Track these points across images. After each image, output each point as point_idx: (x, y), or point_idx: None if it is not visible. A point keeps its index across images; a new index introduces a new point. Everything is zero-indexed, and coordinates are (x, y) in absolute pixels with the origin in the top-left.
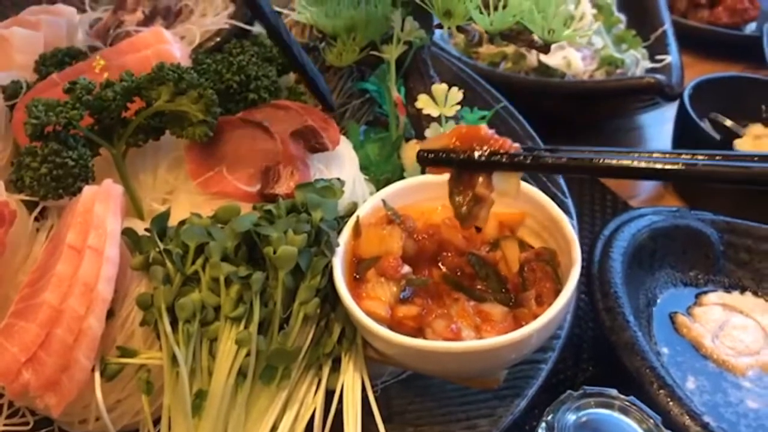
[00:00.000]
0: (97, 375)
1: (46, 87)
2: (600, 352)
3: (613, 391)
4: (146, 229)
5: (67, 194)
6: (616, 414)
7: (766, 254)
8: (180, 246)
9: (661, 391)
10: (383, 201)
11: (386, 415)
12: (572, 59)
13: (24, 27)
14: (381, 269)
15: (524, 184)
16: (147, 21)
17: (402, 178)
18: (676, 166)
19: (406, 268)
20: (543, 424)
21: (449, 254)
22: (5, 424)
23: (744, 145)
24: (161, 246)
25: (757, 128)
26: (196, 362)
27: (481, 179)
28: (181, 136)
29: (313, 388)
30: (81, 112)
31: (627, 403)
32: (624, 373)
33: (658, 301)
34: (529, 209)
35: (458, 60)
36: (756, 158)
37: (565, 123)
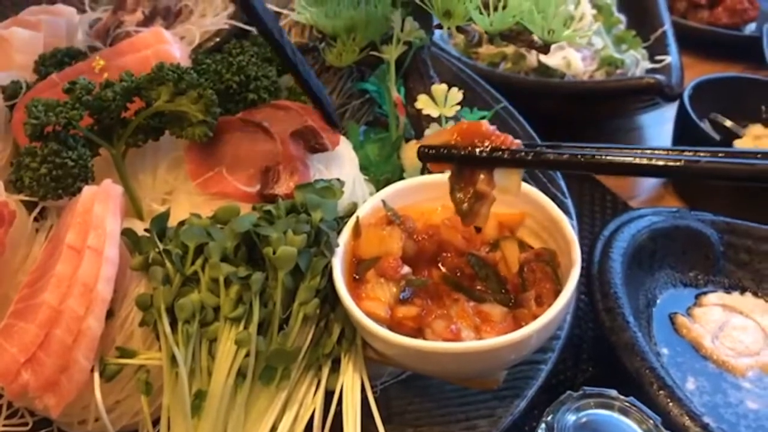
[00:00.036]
0: (96, 375)
1: (46, 87)
2: (600, 353)
3: (613, 392)
4: (146, 230)
5: (67, 194)
6: (615, 415)
7: (766, 255)
8: (179, 246)
9: (661, 392)
10: (383, 201)
11: (386, 416)
12: (572, 60)
13: (24, 27)
14: (381, 270)
15: (524, 185)
16: (147, 21)
17: (402, 178)
18: (678, 163)
19: (406, 269)
20: (543, 425)
21: (449, 255)
22: (4, 425)
23: (744, 145)
24: (161, 246)
25: (757, 129)
26: (195, 363)
27: (482, 176)
28: (180, 136)
29: (313, 388)
30: (81, 112)
31: (627, 404)
32: (624, 373)
33: (658, 301)
34: (528, 210)
35: (458, 60)
36: (759, 155)
37: (564, 123)
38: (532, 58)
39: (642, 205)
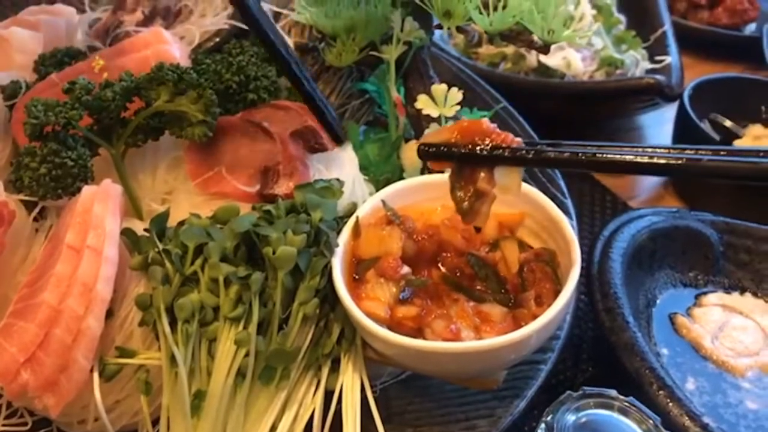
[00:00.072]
0: (95, 375)
1: (46, 87)
2: (599, 353)
3: (613, 392)
4: (145, 230)
5: (66, 194)
6: (615, 415)
7: (765, 255)
8: (179, 246)
9: (661, 392)
10: (383, 201)
11: (385, 416)
12: (572, 60)
13: (23, 27)
14: (380, 270)
15: (524, 185)
16: (146, 21)
17: (401, 178)
18: (679, 162)
19: (406, 269)
20: (542, 425)
21: (449, 255)
22: (4, 425)
23: (744, 145)
24: (160, 246)
25: (756, 129)
26: (195, 362)
27: (482, 174)
28: (180, 136)
29: (312, 388)
30: (80, 112)
31: (626, 404)
32: (623, 373)
33: (658, 301)
34: (528, 210)
35: (458, 60)
36: (761, 153)
37: (564, 123)
38: (532, 58)
39: (642, 205)
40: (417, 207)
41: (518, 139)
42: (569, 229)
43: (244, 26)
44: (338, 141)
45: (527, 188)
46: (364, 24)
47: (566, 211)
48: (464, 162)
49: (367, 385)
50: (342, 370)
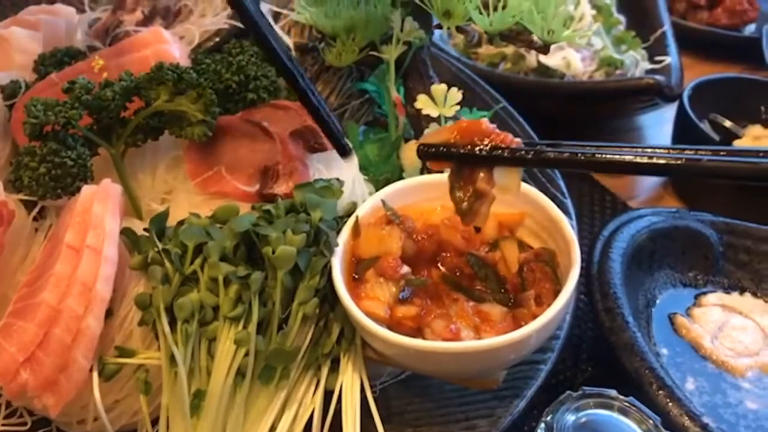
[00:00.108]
0: (95, 375)
1: (45, 87)
2: (599, 353)
3: (613, 392)
4: (145, 229)
5: (66, 194)
6: (615, 415)
7: (765, 255)
8: (179, 246)
9: (661, 392)
10: (382, 201)
11: (385, 416)
12: (571, 60)
13: (23, 27)
14: (380, 269)
15: (523, 185)
16: (146, 21)
17: (401, 178)
18: (679, 162)
19: (406, 269)
20: (542, 425)
21: (448, 254)
22: (3, 425)
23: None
24: (160, 246)
25: (756, 129)
26: (194, 362)
27: (482, 174)
28: (180, 136)
29: (312, 388)
30: (80, 111)
31: (626, 404)
32: (623, 373)
33: (658, 301)
34: (528, 210)
35: (457, 61)
36: (761, 153)
37: (564, 123)
38: (532, 58)
39: (641, 206)
40: (417, 207)
41: (517, 140)
42: (569, 229)
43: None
44: (344, 154)
45: (527, 188)
46: (364, 24)
47: (566, 211)
48: (463, 162)
49: (366, 384)
50: (342, 369)
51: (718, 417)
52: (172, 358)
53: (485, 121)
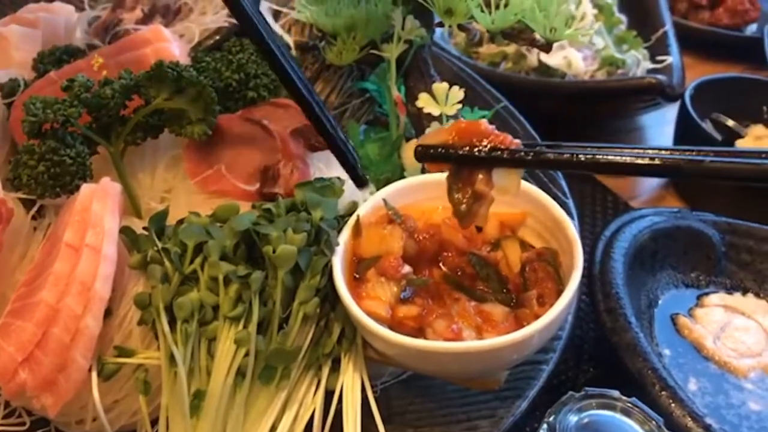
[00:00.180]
0: (94, 375)
1: (44, 85)
2: (601, 354)
3: (615, 393)
4: (144, 228)
5: (65, 192)
6: (618, 415)
7: (767, 255)
8: (178, 245)
9: (663, 393)
10: (384, 200)
11: (386, 416)
12: (573, 59)
13: (22, 25)
14: (381, 269)
15: (525, 184)
16: (146, 19)
17: (402, 177)
18: (681, 163)
19: (407, 268)
20: (544, 426)
21: (450, 254)
22: (1, 425)
23: (745, 146)
24: (159, 245)
25: (758, 129)
26: (194, 362)
27: (480, 176)
28: (179, 134)
29: (313, 388)
30: (79, 109)
31: (629, 405)
32: (626, 374)
33: (660, 302)
34: (530, 209)
35: (458, 60)
36: (764, 155)
37: (565, 123)
38: (533, 57)
39: (643, 206)
40: (418, 206)
41: (517, 141)
42: (572, 228)
43: None
44: (361, 184)
45: (529, 188)
46: (365, 22)
47: (568, 212)
48: (462, 164)
49: (367, 385)
50: (342, 369)
51: (720, 418)
52: (171, 358)
53: (484, 122)
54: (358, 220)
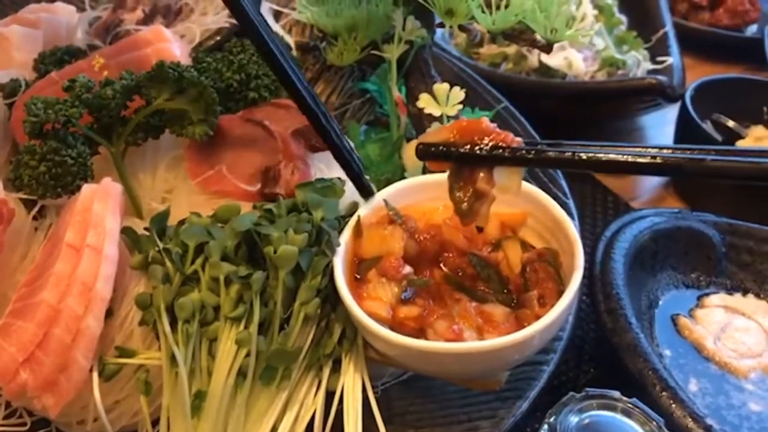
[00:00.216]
0: (95, 375)
1: (46, 85)
2: (602, 354)
3: (616, 393)
4: (145, 228)
5: (66, 193)
6: (618, 416)
7: (767, 256)
8: (179, 245)
9: (664, 393)
10: (385, 201)
11: (387, 417)
12: (573, 60)
13: (23, 25)
14: (382, 269)
15: (526, 184)
16: (147, 19)
17: (403, 178)
18: (683, 162)
19: (408, 269)
20: (545, 426)
21: (451, 255)
22: (2, 425)
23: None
24: (160, 245)
25: (758, 130)
26: (195, 362)
27: (482, 174)
28: (180, 134)
29: (314, 388)
30: (80, 110)
31: (630, 405)
32: (626, 375)
33: (660, 302)
34: (531, 209)
35: (459, 60)
36: (765, 154)
37: (565, 124)
38: (534, 58)
39: (643, 206)
40: (419, 206)
41: (518, 139)
42: (572, 229)
43: None
44: (366, 195)
45: (530, 188)
46: (366, 23)
47: (568, 212)
48: (463, 162)
49: (368, 385)
50: (343, 370)
51: (721, 419)
52: (172, 359)
53: (485, 120)
54: (359, 220)
